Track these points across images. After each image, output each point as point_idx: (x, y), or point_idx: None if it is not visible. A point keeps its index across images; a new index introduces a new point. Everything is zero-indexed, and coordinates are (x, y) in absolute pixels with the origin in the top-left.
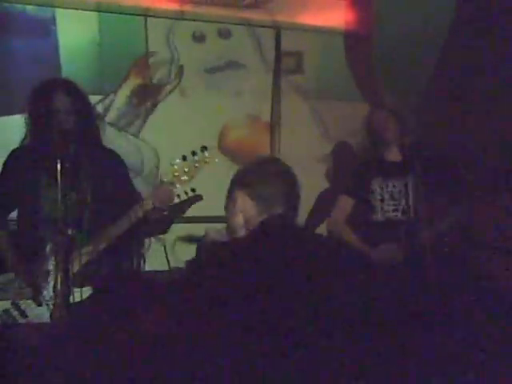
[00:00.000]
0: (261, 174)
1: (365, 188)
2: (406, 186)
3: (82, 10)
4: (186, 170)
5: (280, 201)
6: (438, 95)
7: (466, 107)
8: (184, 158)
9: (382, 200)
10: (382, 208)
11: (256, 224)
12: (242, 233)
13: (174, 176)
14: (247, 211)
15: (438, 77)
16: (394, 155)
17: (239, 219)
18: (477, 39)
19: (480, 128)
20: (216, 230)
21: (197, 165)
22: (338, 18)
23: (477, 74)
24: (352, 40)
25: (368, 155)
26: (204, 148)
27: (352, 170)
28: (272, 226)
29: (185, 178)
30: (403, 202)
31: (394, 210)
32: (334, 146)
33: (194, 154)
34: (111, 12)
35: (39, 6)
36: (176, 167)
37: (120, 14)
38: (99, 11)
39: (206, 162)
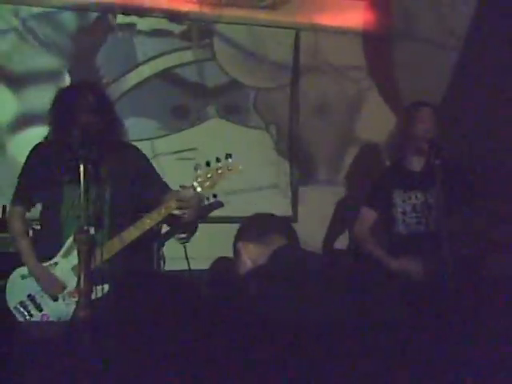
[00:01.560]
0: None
1: (386, 200)
2: (429, 197)
3: None
4: (209, 175)
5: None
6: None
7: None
8: (208, 164)
9: (404, 213)
10: (404, 221)
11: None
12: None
13: (197, 181)
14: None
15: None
16: (415, 164)
17: (246, 264)
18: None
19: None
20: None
21: (220, 171)
22: (357, 19)
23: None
24: (371, 41)
25: (394, 156)
26: (228, 155)
27: (373, 181)
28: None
29: (208, 183)
30: (426, 214)
31: (417, 223)
32: (359, 150)
33: (218, 160)
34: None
35: None
36: (199, 172)
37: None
38: None
39: (229, 170)
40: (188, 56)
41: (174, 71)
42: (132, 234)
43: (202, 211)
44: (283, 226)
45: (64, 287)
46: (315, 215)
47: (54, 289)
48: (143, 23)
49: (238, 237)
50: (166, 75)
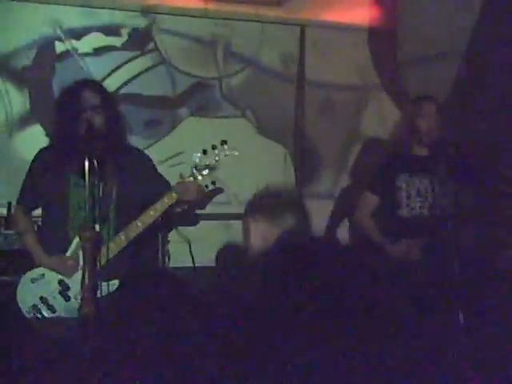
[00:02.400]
0: (272, 200)
1: (390, 185)
2: (433, 181)
3: None
4: (207, 163)
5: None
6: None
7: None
8: (204, 152)
9: (409, 197)
10: (408, 205)
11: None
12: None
13: (196, 169)
14: (263, 234)
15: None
16: (421, 149)
17: (257, 242)
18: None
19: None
20: None
21: (217, 158)
22: (361, 14)
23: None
24: (376, 37)
25: (398, 149)
26: (224, 142)
27: (376, 166)
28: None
29: (206, 171)
30: (430, 198)
31: (420, 207)
32: (363, 144)
33: (213, 147)
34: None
35: None
36: (197, 161)
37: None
38: None
39: (226, 155)
40: (138, 65)
41: (130, 85)
42: (137, 228)
43: (204, 200)
44: (294, 202)
45: (78, 263)
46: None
47: (69, 268)
48: (84, 45)
49: (248, 212)
50: (124, 92)
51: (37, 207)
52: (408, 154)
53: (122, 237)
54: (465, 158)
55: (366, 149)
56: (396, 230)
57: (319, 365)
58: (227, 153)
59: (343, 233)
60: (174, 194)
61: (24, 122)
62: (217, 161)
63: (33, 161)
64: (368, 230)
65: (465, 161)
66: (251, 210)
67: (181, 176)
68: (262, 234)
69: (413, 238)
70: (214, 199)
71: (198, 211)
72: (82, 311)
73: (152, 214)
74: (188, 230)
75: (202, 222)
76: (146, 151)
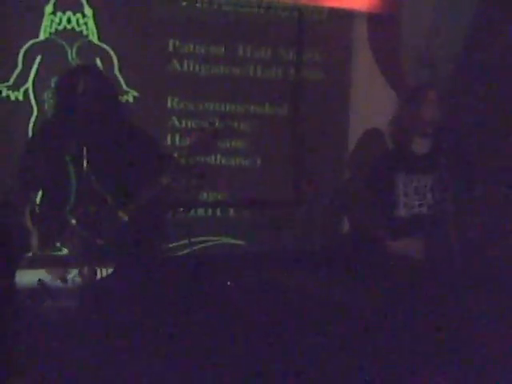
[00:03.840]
0: None
1: (388, 183)
2: (432, 179)
3: None
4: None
5: None
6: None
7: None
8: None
9: (406, 195)
10: (405, 203)
11: None
12: None
13: None
14: None
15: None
16: (419, 147)
17: None
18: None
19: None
20: None
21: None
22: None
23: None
24: (375, 22)
25: (398, 141)
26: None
27: (374, 164)
28: None
29: None
30: (429, 196)
31: (419, 205)
32: (361, 135)
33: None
34: None
35: None
36: None
37: None
38: None
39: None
40: None
41: None
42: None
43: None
44: None
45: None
46: None
47: (61, 271)
48: None
49: None
50: None
51: (39, 187)
52: (405, 151)
53: (122, 214)
54: (464, 150)
55: (364, 141)
56: (394, 228)
57: None
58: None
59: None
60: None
61: None
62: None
63: (31, 137)
64: (368, 227)
65: (464, 153)
66: None
67: None
68: None
69: (412, 236)
70: None
71: None
72: (80, 294)
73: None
74: None
75: None
76: None
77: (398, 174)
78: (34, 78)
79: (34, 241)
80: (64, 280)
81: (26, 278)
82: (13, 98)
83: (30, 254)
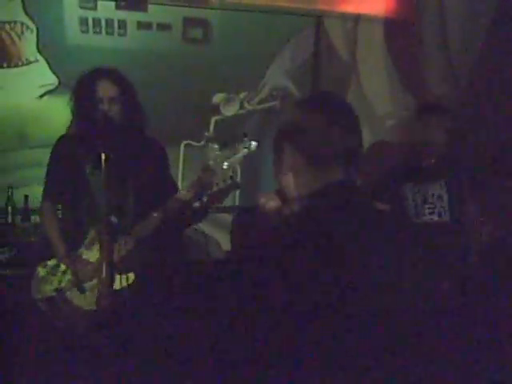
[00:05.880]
0: (314, 120)
1: (396, 194)
2: (441, 186)
3: None
4: (228, 156)
5: (339, 161)
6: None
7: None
8: (225, 145)
9: (416, 206)
10: (416, 214)
11: (309, 192)
12: (293, 196)
13: (216, 162)
14: (298, 172)
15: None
16: (428, 157)
17: (288, 180)
18: None
19: None
20: (267, 195)
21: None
22: (378, 3)
23: None
24: (393, 27)
25: (408, 159)
26: (244, 135)
27: (382, 175)
28: (329, 196)
29: (226, 164)
30: (439, 204)
31: (430, 213)
32: (369, 146)
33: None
34: None
35: None
36: (217, 153)
37: None
38: None
39: (246, 148)
40: None
41: None
42: (154, 219)
43: (220, 196)
44: None
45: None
46: None
47: (87, 273)
48: None
49: (287, 132)
50: None
51: (62, 199)
52: (414, 162)
53: (139, 229)
54: (472, 159)
55: (374, 151)
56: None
57: None
58: (247, 146)
59: None
60: (186, 192)
61: None
62: (236, 155)
63: (52, 149)
64: None
65: (471, 162)
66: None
67: (203, 167)
68: (297, 175)
69: (424, 244)
70: None
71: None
72: (99, 303)
73: (167, 209)
74: None
75: None
76: None
77: (407, 185)
78: None
79: (55, 250)
80: (82, 289)
81: (45, 287)
82: None
83: (50, 263)
